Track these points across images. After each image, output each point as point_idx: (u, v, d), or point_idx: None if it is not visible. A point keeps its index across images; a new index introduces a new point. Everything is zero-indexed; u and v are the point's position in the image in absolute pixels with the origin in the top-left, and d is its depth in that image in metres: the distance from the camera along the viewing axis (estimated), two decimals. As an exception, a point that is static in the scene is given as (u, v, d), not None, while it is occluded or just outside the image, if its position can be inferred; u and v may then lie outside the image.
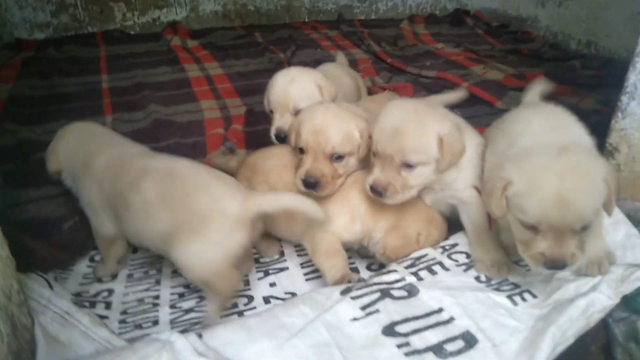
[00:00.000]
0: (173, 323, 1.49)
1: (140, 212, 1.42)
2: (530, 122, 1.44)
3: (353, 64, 3.79)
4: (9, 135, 2.38)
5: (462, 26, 4.97)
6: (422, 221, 1.58)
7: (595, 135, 1.67)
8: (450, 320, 1.27)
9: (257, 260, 1.78)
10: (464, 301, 1.31)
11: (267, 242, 1.82)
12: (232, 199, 1.37)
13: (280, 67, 3.30)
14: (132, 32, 4.34)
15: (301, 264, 1.75)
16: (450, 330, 1.24)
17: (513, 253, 1.52)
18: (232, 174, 1.76)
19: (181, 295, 1.61)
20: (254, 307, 1.55)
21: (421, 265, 1.48)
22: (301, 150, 1.64)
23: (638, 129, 1.55)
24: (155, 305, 1.56)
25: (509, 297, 1.35)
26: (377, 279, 1.41)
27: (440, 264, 1.49)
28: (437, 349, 1.19)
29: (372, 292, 1.34)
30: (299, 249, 1.82)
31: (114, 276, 1.70)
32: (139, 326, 1.48)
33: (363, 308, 1.29)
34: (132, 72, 3.38)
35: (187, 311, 1.54)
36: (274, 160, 1.79)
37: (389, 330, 1.23)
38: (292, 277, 1.69)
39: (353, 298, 1.32)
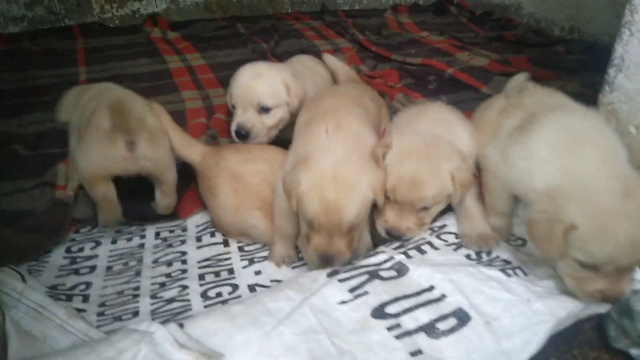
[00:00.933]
0: (154, 314, 1.43)
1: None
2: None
3: (337, 53, 3.75)
4: (-19, 128, 2.30)
5: (446, 15, 4.95)
6: None
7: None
8: (441, 297, 1.23)
9: (241, 249, 1.73)
10: (455, 277, 1.28)
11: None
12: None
13: (263, 57, 3.25)
14: (110, 25, 4.23)
15: (287, 250, 1.70)
16: (442, 308, 1.20)
17: (503, 233, 1.51)
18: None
19: (162, 285, 1.55)
20: (239, 296, 1.50)
21: (410, 246, 1.43)
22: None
23: (626, 102, 1.53)
24: (136, 296, 1.50)
25: (502, 270, 1.31)
26: (364, 262, 1.37)
27: (430, 243, 1.45)
28: (429, 328, 1.15)
29: (360, 275, 1.30)
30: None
31: (92, 268, 1.64)
32: (118, 318, 1.41)
33: (351, 290, 1.24)
34: (110, 64, 3.30)
35: (169, 301, 1.48)
36: (268, 189, 1.64)
37: (379, 312, 1.18)
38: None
39: (340, 281, 1.27)
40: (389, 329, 1.14)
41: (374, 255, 1.40)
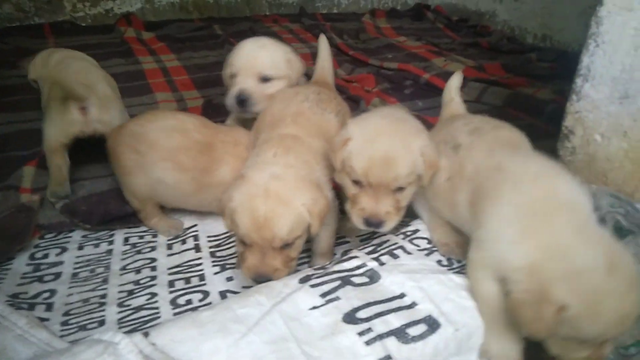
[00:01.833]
0: (121, 323, 1.39)
1: None
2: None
3: (315, 56, 3.74)
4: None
5: (423, 20, 5.01)
6: None
7: (552, 123, 1.69)
8: (412, 305, 1.23)
9: (213, 254, 1.70)
10: (425, 284, 1.28)
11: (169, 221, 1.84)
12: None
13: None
14: (83, 24, 4.13)
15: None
16: (412, 315, 1.20)
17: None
18: None
19: (130, 293, 1.51)
20: (210, 303, 1.47)
21: (383, 251, 1.43)
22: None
23: (592, 111, 1.56)
24: (102, 304, 1.46)
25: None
26: (337, 267, 1.36)
27: (402, 248, 1.45)
28: (399, 332, 1.15)
29: (332, 280, 1.29)
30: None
31: (57, 275, 1.59)
32: (83, 327, 1.37)
33: (323, 295, 1.23)
34: (82, 64, 3.21)
35: (137, 309, 1.44)
36: (179, 139, 1.69)
37: (350, 317, 1.17)
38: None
39: (312, 286, 1.26)
40: (360, 333, 1.14)
41: (347, 261, 1.40)
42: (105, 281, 1.56)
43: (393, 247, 1.45)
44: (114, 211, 1.83)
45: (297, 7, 5.01)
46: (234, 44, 3.78)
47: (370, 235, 1.74)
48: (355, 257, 1.41)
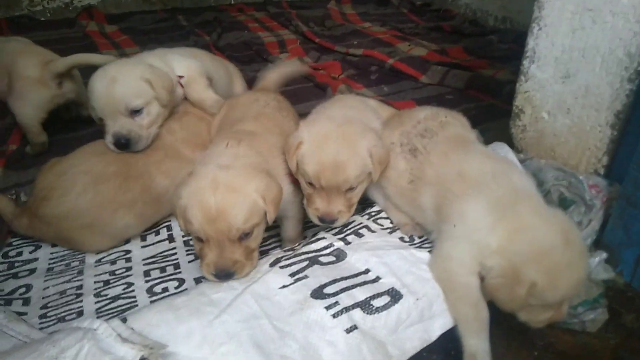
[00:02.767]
0: (99, 312, 1.43)
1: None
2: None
3: (282, 44, 3.78)
4: None
5: (387, 6, 5.07)
6: None
7: (510, 103, 1.80)
8: (376, 279, 1.32)
9: (187, 243, 1.75)
10: (388, 260, 1.37)
11: None
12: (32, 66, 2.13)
13: (207, 50, 3.23)
14: (42, 19, 4.04)
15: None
16: (376, 288, 1.29)
17: None
18: None
19: (107, 283, 1.55)
20: (186, 290, 1.52)
21: (348, 231, 1.51)
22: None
23: (539, 90, 1.67)
24: (79, 295, 1.49)
25: (430, 252, 1.42)
26: (305, 248, 1.43)
27: (367, 227, 1.53)
28: (364, 304, 1.23)
29: (300, 261, 1.36)
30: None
31: (31, 270, 1.61)
32: (61, 319, 1.41)
33: (292, 275, 1.30)
34: (43, 60, 3.16)
35: (114, 298, 1.48)
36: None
37: (318, 292, 1.25)
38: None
39: (282, 267, 1.33)
40: (327, 307, 1.21)
41: (314, 242, 1.47)
42: (80, 273, 1.59)
43: (358, 227, 1.53)
44: None
45: (262, -5, 4.99)
46: (200, 34, 3.83)
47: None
48: (323, 238, 1.48)
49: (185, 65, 2.01)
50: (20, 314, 1.41)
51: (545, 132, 1.69)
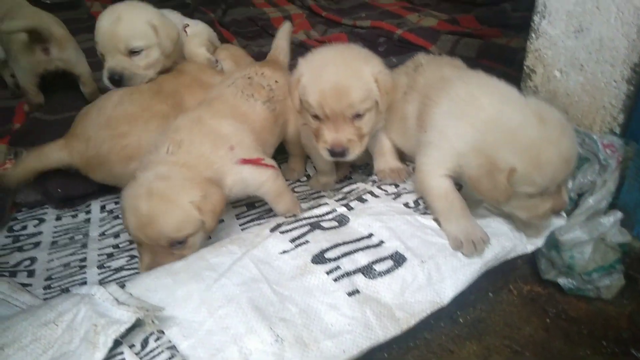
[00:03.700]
0: (102, 283, 1.42)
1: None
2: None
3: (288, 19, 3.70)
4: None
5: (398, -22, 4.93)
6: None
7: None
8: (379, 244, 1.28)
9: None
10: (392, 224, 1.33)
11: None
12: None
13: (211, 26, 3.18)
14: (47, 1, 4.02)
15: (237, 215, 1.72)
16: (379, 252, 1.25)
17: None
18: None
19: (110, 256, 1.55)
20: (188, 260, 1.51)
21: (352, 197, 1.47)
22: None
23: (550, 48, 1.58)
24: (82, 267, 1.50)
25: (436, 219, 1.37)
26: (307, 214, 1.40)
27: (371, 193, 1.49)
28: (366, 269, 1.20)
29: (301, 226, 1.33)
30: (234, 202, 1.77)
31: (36, 244, 1.62)
32: (65, 290, 1.41)
33: (292, 240, 1.28)
34: (49, 41, 3.15)
35: (117, 270, 1.48)
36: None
37: (319, 257, 1.22)
38: (228, 228, 1.66)
39: (282, 232, 1.31)
40: (328, 272, 1.19)
41: (317, 207, 1.44)
42: (84, 246, 1.60)
43: (362, 192, 1.49)
44: (89, 190, 1.83)
45: (268, -29, 4.89)
46: (205, 11, 3.77)
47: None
48: (325, 204, 1.45)
49: (196, 22, 2.22)
50: (24, 285, 1.42)
51: (558, 92, 1.61)
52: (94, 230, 1.68)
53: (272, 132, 1.68)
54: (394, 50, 3.12)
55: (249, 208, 1.74)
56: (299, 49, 2.83)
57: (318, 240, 1.27)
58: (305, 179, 1.95)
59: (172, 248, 1.30)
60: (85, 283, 1.44)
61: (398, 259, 1.24)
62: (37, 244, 1.62)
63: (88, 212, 1.78)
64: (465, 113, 1.28)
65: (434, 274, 1.24)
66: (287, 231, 1.31)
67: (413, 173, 1.52)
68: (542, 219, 1.30)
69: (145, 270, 1.28)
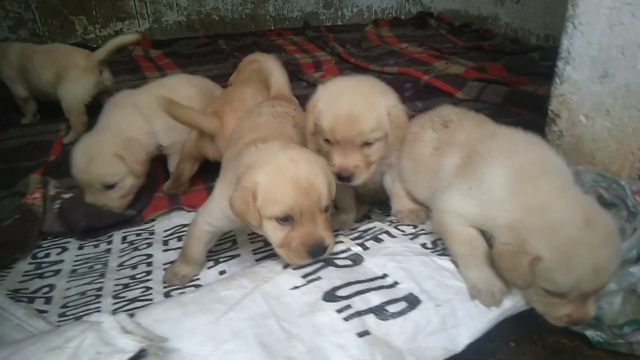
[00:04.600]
0: (116, 313, 1.43)
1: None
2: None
3: (317, 65, 3.83)
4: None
5: (426, 28, 5.06)
6: None
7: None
8: (394, 284, 1.24)
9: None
10: (408, 265, 1.29)
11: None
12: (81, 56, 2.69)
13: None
14: (94, 45, 4.30)
15: (253, 250, 1.71)
16: (393, 293, 1.21)
17: None
18: None
19: (126, 286, 1.55)
20: (203, 293, 1.50)
21: (368, 237, 1.45)
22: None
23: (575, 93, 1.57)
24: (98, 296, 1.51)
25: (454, 261, 1.33)
26: (321, 251, 1.38)
27: (387, 232, 1.47)
28: (378, 310, 1.16)
29: (315, 262, 1.31)
30: (252, 237, 1.78)
31: (56, 271, 1.65)
32: (79, 318, 1.41)
33: (304, 276, 1.26)
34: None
35: (132, 300, 1.48)
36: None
37: (330, 295, 1.19)
38: (244, 263, 1.65)
39: (295, 268, 1.29)
40: (339, 310, 1.15)
41: (332, 246, 1.42)
42: (102, 275, 1.61)
43: (378, 232, 1.47)
44: (111, 220, 1.88)
45: (301, 21, 5.12)
46: (239, 57, 3.93)
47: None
48: (341, 242, 1.43)
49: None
50: (41, 311, 1.43)
51: (584, 137, 1.57)
52: (113, 260, 1.70)
53: None
54: (420, 95, 3.15)
55: (266, 244, 1.73)
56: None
57: (331, 277, 1.25)
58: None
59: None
60: (99, 312, 1.44)
61: (412, 301, 1.19)
62: (57, 272, 1.65)
63: (109, 242, 1.82)
64: (520, 189, 1.20)
65: (448, 318, 1.18)
66: (300, 267, 1.29)
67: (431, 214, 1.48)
68: (556, 322, 1.20)
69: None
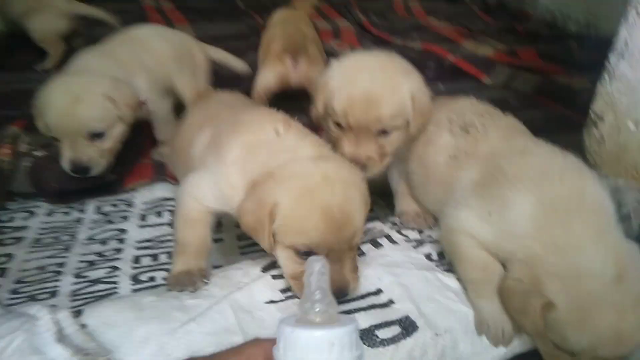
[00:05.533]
0: (74, 295, 1.26)
1: None
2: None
3: (336, 33, 3.58)
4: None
5: (457, 2, 4.74)
6: None
7: (585, 115, 1.47)
8: (388, 303, 1.07)
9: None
10: (407, 281, 1.11)
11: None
12: None
13: (255, 34, 3.09)
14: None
15: (238, 235, 1.54)
16: (386, 315, 1.03)
17: None
18: None
19: (91, 264, 1.39)
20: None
21: (365, 238, 1.26)
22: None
23: (626, 94, 1.33)
24: (58, 273, 1.35)
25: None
26: (308, 254, 1.20)
27: (388, 237, 1.28)
28: (366, 334, 0.98)
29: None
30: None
31: (18, 239, 1.49)
32: (32, 297, 1.26)
33: (284, 291, 1.08)
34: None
35: (94, 282, 1.32)
36: None
37: (310, 313, 1.02)
38: (225, 248, 1.49)
39: (275, 277, 1.11)
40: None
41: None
42: (67, 249, 1.45)
43: (377, 235, 1.29)
44: (88, 184, 1.69)
45: (324, -18, 4.79)
46: (253, 16, 3.69)
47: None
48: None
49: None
50: (-7, 285, 1.28)
51: (629, 146, 1.35)
52: (82, 232, 1.54)
53: None
54: (443, 75, 2.91)
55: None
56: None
57: (314, 292, 1.06)
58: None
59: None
60: (55, 292, 1.28)
61: (407, 327, 1.01)
62: (19, 239, 1.49)
63: (82, 210, 1.66)
64: (546, 226, 1.00)
65: (449, 351, 1.01)
66: (279, 276, 1.11)
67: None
68: None
69: None
